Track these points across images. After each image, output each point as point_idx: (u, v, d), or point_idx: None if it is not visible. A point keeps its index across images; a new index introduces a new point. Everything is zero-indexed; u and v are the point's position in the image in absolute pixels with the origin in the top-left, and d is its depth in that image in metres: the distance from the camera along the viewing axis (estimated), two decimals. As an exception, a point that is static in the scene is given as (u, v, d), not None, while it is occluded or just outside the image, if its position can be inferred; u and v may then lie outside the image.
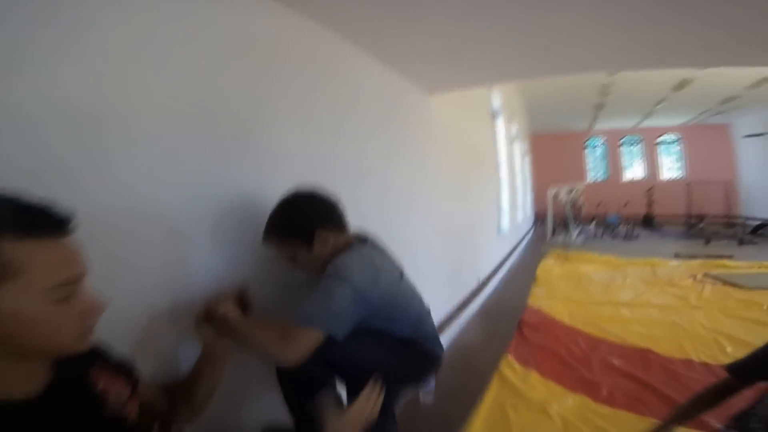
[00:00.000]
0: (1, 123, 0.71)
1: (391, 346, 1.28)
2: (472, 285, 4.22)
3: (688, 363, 2.58)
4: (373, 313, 1.19)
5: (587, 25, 1.82)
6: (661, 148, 12.87)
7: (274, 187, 1.30)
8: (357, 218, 1.39)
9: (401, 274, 1.37)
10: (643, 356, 2.69)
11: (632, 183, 12.81)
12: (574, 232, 8.36)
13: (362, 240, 1.31)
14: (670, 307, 3.75)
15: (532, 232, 9.76)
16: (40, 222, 0.53)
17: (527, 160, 10.32)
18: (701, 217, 9.78)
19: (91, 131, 0.86)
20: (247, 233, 1.27)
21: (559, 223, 9.16)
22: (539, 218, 10.59)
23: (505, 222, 6.39)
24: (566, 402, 2.18)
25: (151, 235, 1.00)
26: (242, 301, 1.09)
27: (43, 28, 0.77)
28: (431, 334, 1.41)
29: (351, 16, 1.61)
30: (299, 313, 1.08)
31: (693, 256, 6.13)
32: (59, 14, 0.80)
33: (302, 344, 1.03)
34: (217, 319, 1.00)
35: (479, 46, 2.08)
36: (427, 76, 2.64)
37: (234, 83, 1.29)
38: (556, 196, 8.55)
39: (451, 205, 3.68)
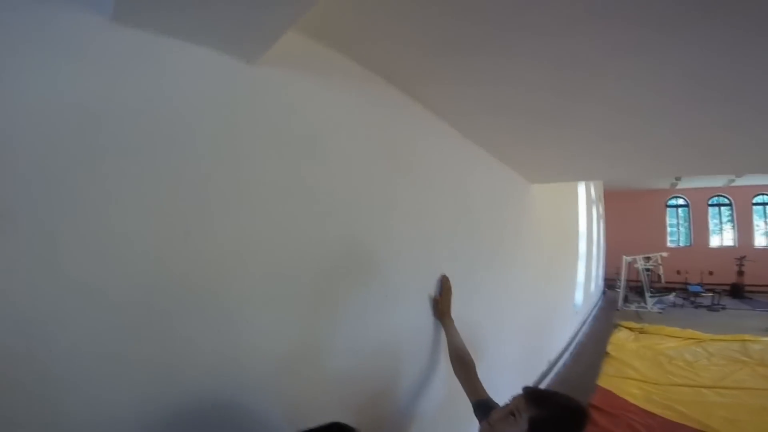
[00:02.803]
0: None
1: None
2: (542, 368, 3.97)
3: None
4: None
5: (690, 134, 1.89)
6: (755, 210, 11.22)
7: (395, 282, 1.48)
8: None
9: None
10: (727, 446, 2.58)
11: (720, 249, 11.34)
12: (650, 302, 7.89)
13: None
14: (760, 391, 3.50)
15: (602, 299, 9.27)
16: None
17: (602, 222, 9.69)
18: (801, 286, 8.81)
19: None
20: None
21: (632, 291, 8.70)
22: (609, 283, 10.08)
23: (579, 296, 6.19)
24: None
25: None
26: None
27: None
28: None
29: (473, 122, 1.81)
30: None
31: (791, 331, 5.56)
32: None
33: None
34: None
35: (586, 151, 2.29)
36: (532, 168, 2.80)
37: (375, 180, 1.35)
38: (631, 264, 8.22)
39: (534, 294, 3.52)
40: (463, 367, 1.47)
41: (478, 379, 1.42)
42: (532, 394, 1.02)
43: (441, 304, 1.71)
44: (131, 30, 0.70)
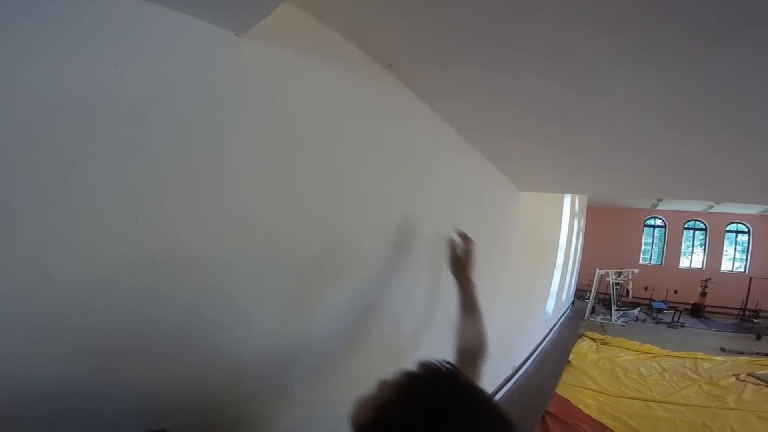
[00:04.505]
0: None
1: None
2: (507, 373, 4.06)
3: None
4: None
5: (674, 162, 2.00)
6: (727, 237, 11.80)
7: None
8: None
9: None
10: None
11: (688, 271, 11.83)
12: (615, 315, 8.23)
13: None
14: (704, 408, 3.75)
15: (570, 308, 9.59)
16: None
17: (582, 235, 9.85)
18: (756, 312, 9.31)
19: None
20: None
21: (600, 303, 9.04)
22: (579, 293, 10.43)
23: (551, 305, 6.39)
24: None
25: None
26: None
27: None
28: None
29: (471, 122, 1.82)
30: None
31: (740, 353, 5.92)
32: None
33: None
34: None
35: (578, 166, 2.35)
36: (523, 176, 2.83)
37: (365, 173, 1.32)
38: (603, 277, 8.52)
39: (509, 303, 3.55)
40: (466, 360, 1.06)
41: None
42: None
43: (464, 257, 1.39)
44: None
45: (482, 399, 0.59)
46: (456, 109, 1.67)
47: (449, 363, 0.62)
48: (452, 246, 1.44)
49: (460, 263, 1.39)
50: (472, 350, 1.07)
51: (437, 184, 1.85)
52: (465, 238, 1.44)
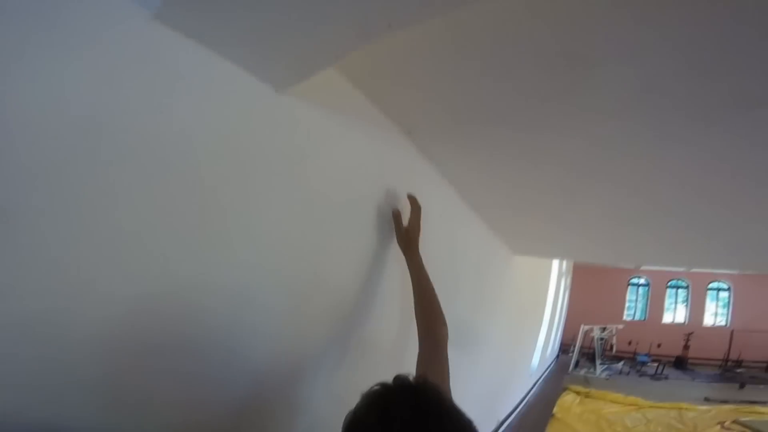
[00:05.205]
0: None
1: None
2: (491, 427, 3.90)
3: None
4: None
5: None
6: (708, 294, 12.02)
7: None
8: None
9: None
10: None
11: (671, 326, 11.96)
12: (600, 368, 8.16)
13: None
14: (689, 458, 3.69)
15: (555, 362, 9.47)
16: None
17: (567, 293, 9.80)
18: (739, 362, 9.37)
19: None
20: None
21: (584, 357, 8.98)
22: (564, 347, 10.34)
23: (536, 360, 6.34)
24: None
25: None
26: None
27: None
28: None
29: (473, 188, 1.89)
30: None
31: (724, 401, 5.88)
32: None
33: None
34: None
35: (572, 234, 2.52)
36: (519, 241, 2.91)
37: (373, 237, 1.28)
38: (588, 332, 8.55)
39: (496, 360, 3.49)
40: (427, 338, 1.09)
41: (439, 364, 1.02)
42: None
43: (408, 228, 1.27)
44: (171, 31, 0.62)
45: (441, 413, 0.65)
46: (463, 177, 1.78)
47: (424, 379, 0.70)
48: (398, 217, 1.29)
49: (408, 235, 1.27)
50: (433, 330, 1.10)
51: (442, 246, 1.84)
52: (413, 203, 1.29)
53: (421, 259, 1.25)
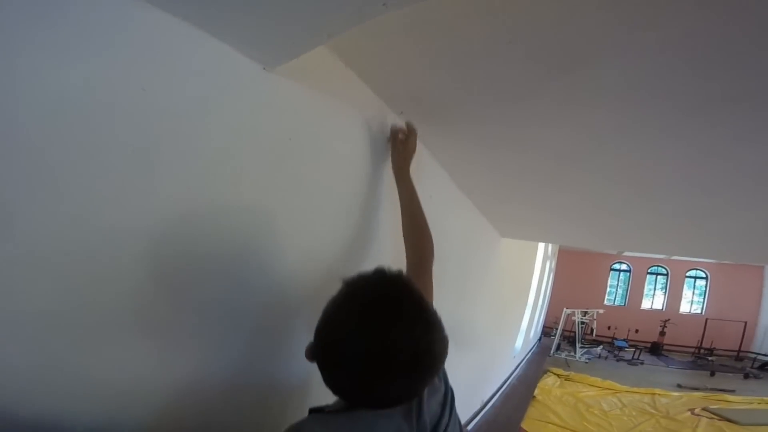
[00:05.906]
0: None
1: None
2: (475, 408, 4.04)
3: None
4: None
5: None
6: (686, 282, 12.39)
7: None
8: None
9: None
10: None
11: (649, 312, 12.32)
12: (579, 352, 8.37)
13: None
14: (660, 443, 3.83)
15: (537, 344, 9.70)
16: None
17: (552, 276, 10.08)
18: (711, 351, 9.71)
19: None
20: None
21: (565, 340, 9.19)
22: (546, 330, 10.60)
23: (520, 342, 6.51)
24: None
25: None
26: None
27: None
28: None
29: (464, 170, 1.93)
30: None
31: (695, 389, 6.11)
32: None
33: None
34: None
35: (559, 219, 2.60)
36: (507, 223, 2.99)
37: (361, 215, 1.27)
38: (570, 316, 8.73)
39: (482, 342, 3.59)
40: (414, 256, 1.11)
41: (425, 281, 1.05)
42: None
43: (402, 152, 1.25)
44: (159, 11, 0.61)
45: (413, 304, 0.67)
46: (453, 161, 1.80)
47: (400, 271, 0.71)
48: (396, 135, 1.27)
49: (403, 154, 1.25)
50: (420, 249, 1.12)
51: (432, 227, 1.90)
52: (409, 129, 1.26)
53: (411, 181, 1.24)
